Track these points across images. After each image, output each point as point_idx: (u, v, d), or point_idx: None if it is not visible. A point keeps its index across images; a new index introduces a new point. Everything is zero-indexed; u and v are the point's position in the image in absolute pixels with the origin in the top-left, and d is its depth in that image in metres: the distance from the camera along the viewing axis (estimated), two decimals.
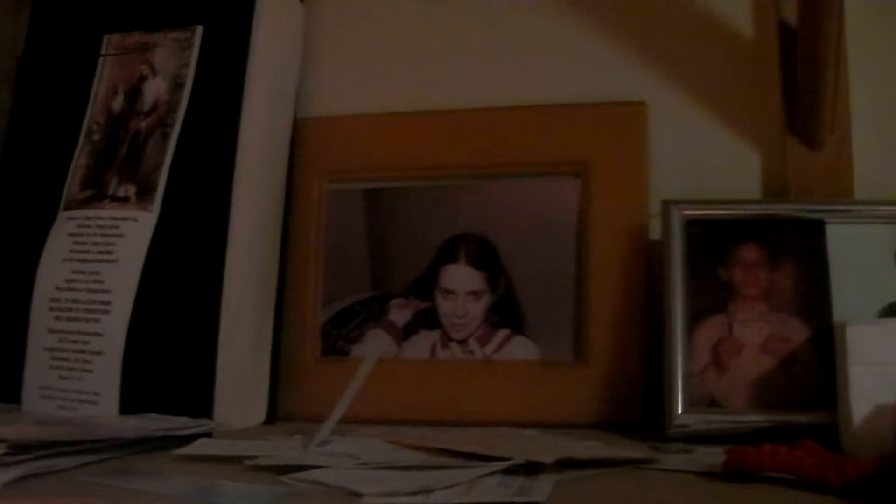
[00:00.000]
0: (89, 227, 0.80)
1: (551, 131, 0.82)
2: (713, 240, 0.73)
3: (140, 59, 0.84)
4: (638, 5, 0.85)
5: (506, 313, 0.81)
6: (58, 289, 0.79)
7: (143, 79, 0.84)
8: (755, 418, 0.68)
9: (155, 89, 0.83)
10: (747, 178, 0.82)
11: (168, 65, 0.83)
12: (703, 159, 0.82)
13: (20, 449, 0.56)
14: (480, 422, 0.75)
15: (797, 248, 0.73)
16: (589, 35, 0.86)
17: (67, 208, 0.82)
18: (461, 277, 0.82)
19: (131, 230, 0.79)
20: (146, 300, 0.77)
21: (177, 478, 0.55)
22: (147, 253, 0.78)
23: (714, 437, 0.66)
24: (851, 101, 0.79)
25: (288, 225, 0.84)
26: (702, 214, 0.74)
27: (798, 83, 0.77)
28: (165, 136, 0.81)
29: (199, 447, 0.63)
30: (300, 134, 0.86)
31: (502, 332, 0.80)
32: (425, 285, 0.82)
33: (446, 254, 0.83)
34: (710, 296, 0.72)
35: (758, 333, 0.71)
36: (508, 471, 0.54)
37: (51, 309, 0.78)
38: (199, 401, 0.75)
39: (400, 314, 0.83)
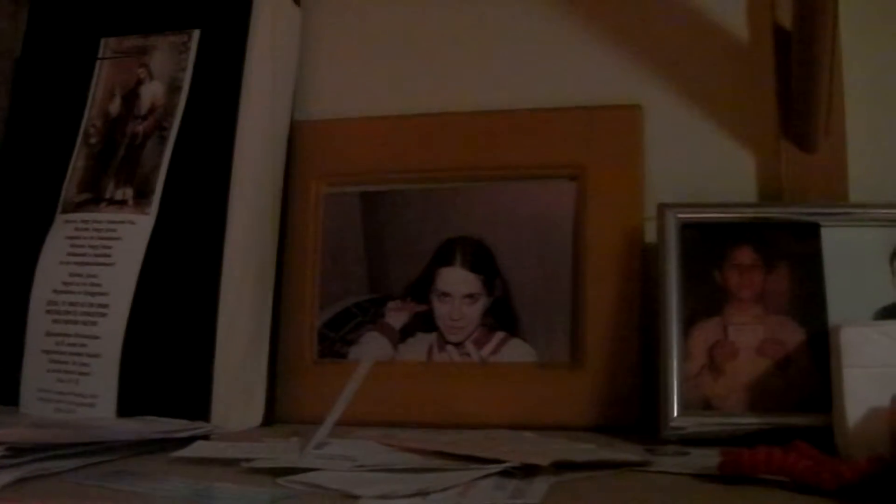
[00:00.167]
0: (87, 230, 0.80)
1: (547, 134, 0.82)
2: (708, 243, 0.73)
3: (137, 63, 0.85)
4: (633, 9, 0.85)
5: (502, 316, 0.81)
6: (55, 292, 0.79)
7: (140, 82, 0.84)
8: (750, 421, 0.68)
9: (152, 93, 0.83)
10: (742, 181, 0.82)
11: (165, 68, 0.83)
12: (698, 162, 0.82)
13: (17, 451, 0.56)
14: (477, 424, 0.75)
15: (792, 251, 0.73)
16: (584, 38, 0.86)
17: (65, 211, 0.82)
18: (457, 280, 0.82)
19: (129, 233, 0.79)
20: (144, 303, 0.77)
21: (174, 480, 0.55)
22: (144, 256, 0.78)
23: (709, 439, 0.66)
24: (846, 105, 0.80)
25: (285, 228, 0.84)
26: (697, 217, 0.74)
27: (793, 86, 0.77)
28: (162, 140, 0.81)
29: (197, 449, 0.63)
30: (297, 137, 0.86)
31: (498, 335, 0.81)
32: (422, 288, 0.83)
33: (442, 256, 0.83)
34: (706, 299, 0.72)
35: (753, 336, 0.71)
36: (504, 473, 0.54)
37: (48, 312, 0.79)
38: (196, 403, 0.75)
39: (396, 317, 0.83)
